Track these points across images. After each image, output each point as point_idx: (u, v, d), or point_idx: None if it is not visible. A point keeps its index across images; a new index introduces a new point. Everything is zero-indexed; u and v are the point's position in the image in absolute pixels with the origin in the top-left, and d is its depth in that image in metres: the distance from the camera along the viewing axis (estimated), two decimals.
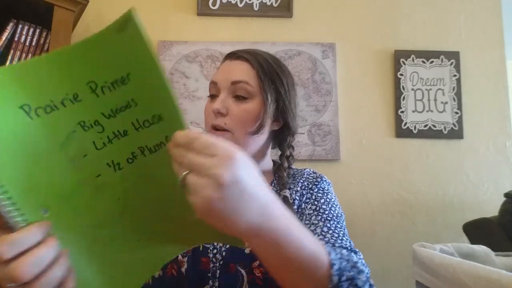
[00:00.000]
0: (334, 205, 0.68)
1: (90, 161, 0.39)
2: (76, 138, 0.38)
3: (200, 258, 0.60)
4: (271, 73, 0.70)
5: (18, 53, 1.29)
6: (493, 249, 1.16)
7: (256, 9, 1.73)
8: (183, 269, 0.59)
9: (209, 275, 0.59)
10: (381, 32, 1.77)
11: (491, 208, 1.54)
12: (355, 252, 0.57)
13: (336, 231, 0.61)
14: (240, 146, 0.55)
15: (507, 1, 1.82)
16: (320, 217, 0.63)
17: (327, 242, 0.58)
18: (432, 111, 1.71)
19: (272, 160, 0.79)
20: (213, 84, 0.70)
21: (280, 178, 0.71)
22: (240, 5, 1.73)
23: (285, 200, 0.66)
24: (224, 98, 0.67)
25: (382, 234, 1.62)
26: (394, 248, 1.58)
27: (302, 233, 0.41)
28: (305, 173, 0.74)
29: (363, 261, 0.54)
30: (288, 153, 0.74)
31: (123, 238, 0.45)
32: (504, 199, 1.44)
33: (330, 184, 0.74)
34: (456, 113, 1.71)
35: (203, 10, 1.72)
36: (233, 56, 0.72)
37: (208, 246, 0.61)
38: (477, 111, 1.74)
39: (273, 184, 0.73)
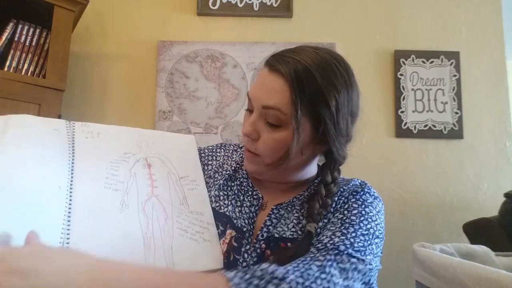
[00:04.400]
0: (370, 220, 0.55)
1: None
2: None
3: None
4: (313, 92, 0.55)
5: (18, 53, 1.29)
6: (493, 249, 1.16)
7: (256, 9, 1.73)
8: None
9: None
10: (381, 32, 1.77)
11: (491, 208, 1.54)
12: (358, 259, 0.49)
13: (349, 237, 0.51)
14: (273, 170, 0.60)
15: (507, 1, 1.81)
16: (341, 225, 0.54)
17: (322, 244, 0.51)
18: (432, 111, 1.71)
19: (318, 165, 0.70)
20: (249, 99, 0.61)
21: (310, 208, 0.58)
22: (240, 5, 1.73)
23: (308, 235, 0.55)
24: (256, 120, 0.59)
25: None
26: (394, 248, 1.58)
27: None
28: (350, 184, 0.65)
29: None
30: (328, 179, 0.62)
31: None
32: (504, 199, 1.44)
33: (378, 199, 0.61)
34: (456, 113, 1.71)
35: (203, 10, 1.72)
36: (271, 65, 0.58)
37: (238, 257, 0.58)
38: (477, 111, 1.74)
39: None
